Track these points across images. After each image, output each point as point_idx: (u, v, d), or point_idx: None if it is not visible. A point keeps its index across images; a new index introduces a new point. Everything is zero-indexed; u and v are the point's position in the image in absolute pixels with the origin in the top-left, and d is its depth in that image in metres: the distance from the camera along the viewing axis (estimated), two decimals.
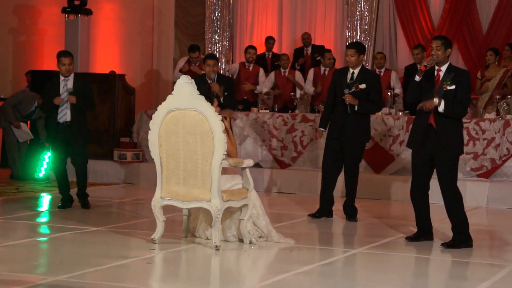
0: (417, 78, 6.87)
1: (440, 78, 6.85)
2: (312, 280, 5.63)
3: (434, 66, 6.87)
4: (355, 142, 8.12)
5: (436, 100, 6.77)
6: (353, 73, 8.11)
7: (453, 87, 6.78)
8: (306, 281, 5.61)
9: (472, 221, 7.33)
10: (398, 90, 11.63)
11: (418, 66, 7.26)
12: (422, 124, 6.89)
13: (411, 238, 7.09)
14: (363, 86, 7.99)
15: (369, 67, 14.10)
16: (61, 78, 8.56)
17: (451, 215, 6.96)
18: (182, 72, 12.07)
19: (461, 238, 6.90)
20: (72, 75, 8.56)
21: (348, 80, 8.08)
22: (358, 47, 8.15)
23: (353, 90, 8.00)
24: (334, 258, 6.38)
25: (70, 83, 8.52)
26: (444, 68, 6.88)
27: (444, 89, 6.79)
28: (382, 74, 11.81)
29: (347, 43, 14.14)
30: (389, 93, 11.01)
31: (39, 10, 14.14)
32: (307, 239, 7.31)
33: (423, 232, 7.10)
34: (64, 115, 8.50)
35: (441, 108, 6.77)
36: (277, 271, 5.85)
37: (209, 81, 8.98)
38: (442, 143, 6.84)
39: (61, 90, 8.51)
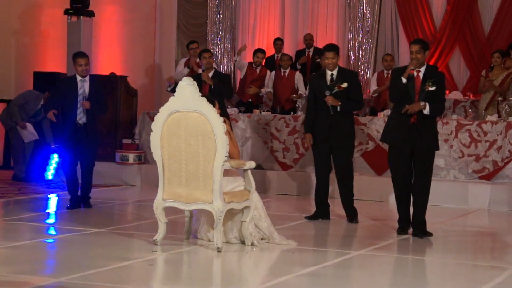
0: (404, 80, 7.25)
1: (420, 80, 7.24)
2: (314, 282, 5.64)
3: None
4: (345, 142, 8.18)
5: (422, 103, 7.20)
6: (332, 74, 8.14)
7: (434, 88, 7.21)
8: (308, 283, 5.61)
9: (473, 223, 7.36)
10: None
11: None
12: (405, 123, 7.28)
13: (402, 232, 7.39)
14: (345, 85, 8.03)
15: (371, 69, 14.13)
16: (78, 78, 8.65)
17: (421, 209, 7.34)
18: (190, 67, 12.09)
19: (424, 227, 7.34)
20: (88, 77, 8.68)
21: (328, 82, 8.12)
22: (337, 50, 8.25)
23: (335, 90, 8.04)
24: (336, 260, 6.38)
25: (86, 85, 8.63)
26: (422, 69, 7.30)
27: (426, 89, 7.19)
28: (390, 75, 11.83)
29: (349, 45, 14.18)
30: None
31: (42, 12, 14.16)
32: (309, 241, 7.32)
33: (408, 223, 7.41)
34: (82, 117, 8.61)
35: (426, 111, 7.21)
36: (279, 273, 5.86)
37: (202, 74, 9.42)
38: (425, 141, 7.27)
39: (79, 91, 8.62)
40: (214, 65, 10.20)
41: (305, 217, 8.32)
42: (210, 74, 9.42)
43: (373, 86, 12.08)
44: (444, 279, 5.93)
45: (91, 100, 8.62)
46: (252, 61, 12.29)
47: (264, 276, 5.96)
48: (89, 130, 8.66)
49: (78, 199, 8.78)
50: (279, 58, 13.45)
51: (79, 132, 8.61)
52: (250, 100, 12.00)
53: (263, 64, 12.27)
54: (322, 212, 8.30)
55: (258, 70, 12.09)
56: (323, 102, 8.12)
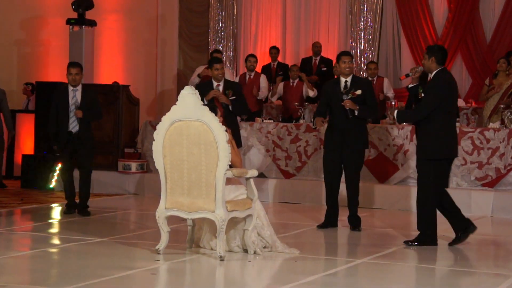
0: (409, 86, 7.48)
1: None
2: None
3: (428, 74, 7.37)
4: (356, 150, 8.17)
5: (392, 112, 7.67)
6: (346, 81, 8.16)
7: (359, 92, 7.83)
8: None
9: (477, 230, 7.33)
10: (390, 94, 11.78)
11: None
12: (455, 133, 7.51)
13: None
14: (359, 92, 8.03)
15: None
16: (70, 88, 8.90)
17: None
18: (200, 77, 12.02)
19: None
20: (80, 86, 8.91)
21: (342, 89, 8.13)
22: (351, 55, 8.33)
23: (350, 97, 8.04)
24: (338, 268, 6.37)
25: (78, 94, 8.87)
26: (431, 76, 7.31)
27: (419, 97, 7.26)
28: (375, 81, 11.87)
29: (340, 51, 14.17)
30: (392, 103, 11.01)
31: (44, 21, 14.19)
32: (312, 249, 7.30)
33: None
34: (75, 126, 8.81)
35: (396, 119, 7.55)
36: (282, 281, 5.84)
37: (214, 89, 8.94)
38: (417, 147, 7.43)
39: (70, 100, 8.85)
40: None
41: (318, 226, 8.28)
42: (221, 84, 9.04)
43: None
44: (448, 287, 5.90)
45: (83, 108, 8.81)
46: (245, 70, 12.35)
47: (267, 284, 5.95)
48: (83, 138, 8.84)
49: (75, 203, 8.99)
50: (275, 66, 13.48)
51: (73, 140, 8.81)
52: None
53: (256, 69, 12.31)
54: (332, 221, 8.28)
55: (252, 76, 12.11)
56: (338, 109, 8.08)
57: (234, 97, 8.84)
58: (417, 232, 7.35)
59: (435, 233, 7.31)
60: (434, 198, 7.24)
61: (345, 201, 8.32)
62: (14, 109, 12.99)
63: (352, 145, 8.10)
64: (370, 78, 11.90)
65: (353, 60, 8.29)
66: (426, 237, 7.27)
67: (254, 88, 11.97)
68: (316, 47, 13.56)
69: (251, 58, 12.21)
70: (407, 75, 7.52)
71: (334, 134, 8.16)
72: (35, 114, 12.07)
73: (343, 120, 8.08)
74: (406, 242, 7.32)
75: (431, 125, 7.19)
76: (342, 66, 8.15)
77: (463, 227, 7.32)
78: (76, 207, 8.96)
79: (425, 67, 7.29)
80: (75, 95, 8.85)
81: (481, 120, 11.06)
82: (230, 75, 12.24)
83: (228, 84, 9.03)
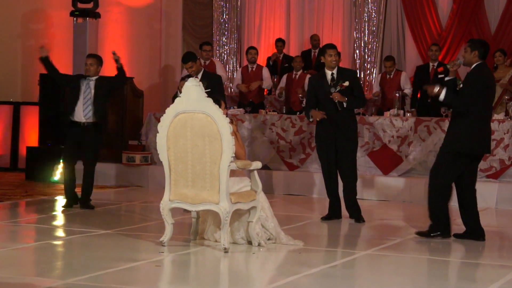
0: (445, 79, 7.29)
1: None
2: (322, 282, 5.63)
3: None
4: (351, 139, 8.17)
5: (437, 88, 7.09)
6: (332, 73, 8.13)
7: (347, 83, 7.92)
8: (316, 283, 5.60)
9: (481, 222, 7.33)
10: (407, 90, 11.64)
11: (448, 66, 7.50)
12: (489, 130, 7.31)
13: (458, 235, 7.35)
14: (346, 83, 8.01)
15: (377, 69, 14.13)
16: (86, 78, 8.86)
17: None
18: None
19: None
20: (95, 78, 8.83)
21: (329, 82, 8.10)
22: (336, 47, 8.26)
23: (338, 89, 8.03)
24: (343, 260, 6.38)
25: (92, 84, 8.76)
26: (472, 67, 7.19)
27: (458, 89, 7.13)
28: (392, 76, 11.82)
29: (355, 45, 14.14)
30: (397, 94, 10.99)
31: (48, 14, 14.18)
32: (316, 241, 7.31)
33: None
34: (89, 112, 8.68)
35: (442, 96, 7.08)
36: (286, 273, 5.86)
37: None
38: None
39: (85, 92, 8.72)
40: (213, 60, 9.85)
41: (321, 218, 8.28)
42: (199, 76, 9.16)
43: (375, 87, 12.10)
44: (452, 278, 5.91)
45: (98, 100, 8.68)
46: (246, 63, 12.37)
47: (272, 276, 5.96)
48: (95, 130, 8.69)
49: (75, 196, 8.82)
50: (281, 58, 13.47)
51: (83, 131, 8.65)
52: (250, 100, 12.02)
53: (258, 61, 12.33)
54: (335, 212, 8.28)
55: (254, 68, 12.13)
56: (327, 102, 8.09)
57: (209, 90, 8.95)
58: (422, 224, 7.36)
59: (448, 225, 7.25)
60: (444, 190, 7.17)
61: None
62: (18, 101, 13.02)
63: (346, 135, 8.11)
64: (387, 75, 11.83)
65: (338, 51, 8.23)
66: (438, 228, 7.23)
67: (252, 84, 11.94)
68: (315, 40, 13.57)
69: (252, 50, 12.24)
70: (445, 68, 7.39)
71: (326, 126, 8.14)
72: (39, 106, 12.08)
73: (334, 112, 8.09)
74: (418, 233, 7.27)
75: (463, 119, 7.04)
76: (328, 59, 8.10)
77: (475, 232, 7.23)
78: (78, 201, 8.83)
79: (466, 59, 7.12)
80: (89, 85, 8.72)
81: None
82: (221, 68, 12.25)
83: (205, 76, 9.14)
